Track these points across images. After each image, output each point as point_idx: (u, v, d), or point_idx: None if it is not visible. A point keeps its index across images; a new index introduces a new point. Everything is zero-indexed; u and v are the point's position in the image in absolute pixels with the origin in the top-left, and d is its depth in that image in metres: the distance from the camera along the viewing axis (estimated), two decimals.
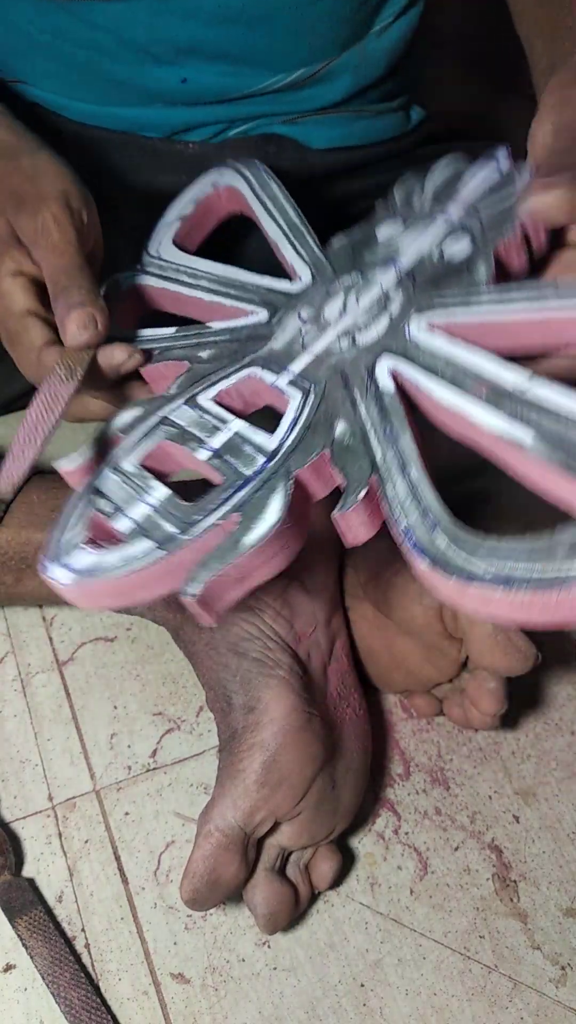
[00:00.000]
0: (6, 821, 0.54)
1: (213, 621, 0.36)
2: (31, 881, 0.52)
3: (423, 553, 0.32)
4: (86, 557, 0.36)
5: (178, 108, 0.59)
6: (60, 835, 0.54)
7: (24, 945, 0.49)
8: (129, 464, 0.40)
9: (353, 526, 0.37)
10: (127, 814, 0.55)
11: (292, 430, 0.38)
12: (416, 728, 0.59)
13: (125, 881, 0.52)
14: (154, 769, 0.56)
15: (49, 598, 0.56)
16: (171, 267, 0.49)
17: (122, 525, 0.37)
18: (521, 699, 0.60)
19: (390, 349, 0.39)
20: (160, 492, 0.38)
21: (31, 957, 0.48)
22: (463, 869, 0.53)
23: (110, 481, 0.39)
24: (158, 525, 0.37)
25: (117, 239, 0.47)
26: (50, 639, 0.62)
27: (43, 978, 0.48)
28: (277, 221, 0.49)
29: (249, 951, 0.50)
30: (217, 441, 0.39)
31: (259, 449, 0.38)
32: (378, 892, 0.52)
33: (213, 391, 0.42)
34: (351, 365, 0.40)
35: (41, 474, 0.56)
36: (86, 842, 0.53)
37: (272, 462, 0.37)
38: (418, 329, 0.39)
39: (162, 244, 0.50)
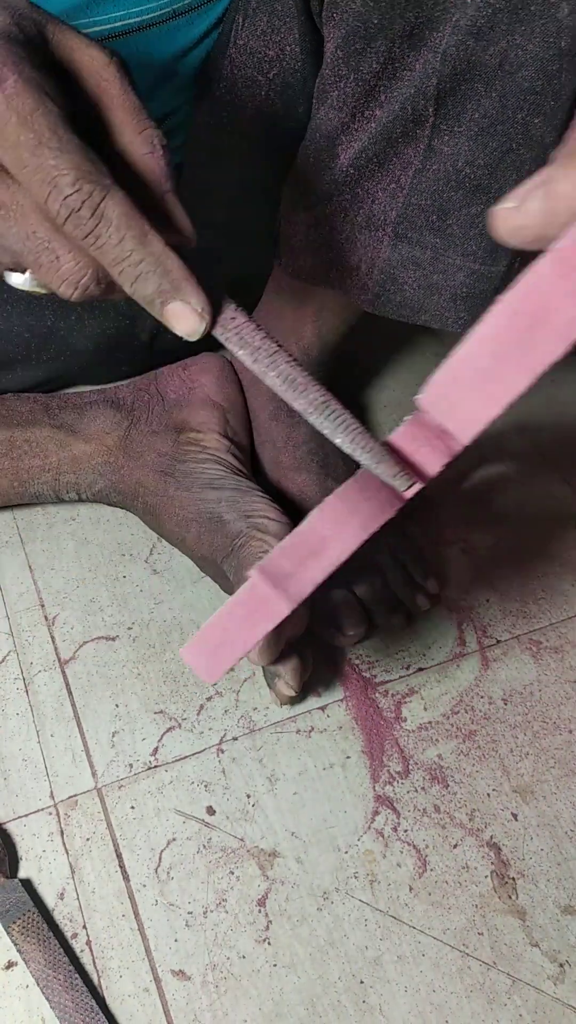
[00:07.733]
0: (4, 820, 0.54)
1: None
2: (27, 882, 0.52)
3: None
4: None
5: None
6: (62, 832, 0.54)
7: (19, 950, 0.49)
8: None
9: None
10: (129, 811, 0.55)
11: None
12: (415, 726, 0.59)
13: (126, 878, 0.53)
14: (155, 767, 0.57)
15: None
16: None
17: None
18: (520, 699, 0.61)
19: None
20: None
21: (25, 962, 0.49)
22: (462, 866, 0.54)
23: None
24: None
25: None
26: (52, 638, 0.62)
27: (37, 983, 0.48)
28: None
29: (249, 948, 0.50)
30: None
31: None
32: (377, 889, 0.53)
33: None
34: None
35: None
36: (87, 840, 0.54)
37: None
38: None
39: None
